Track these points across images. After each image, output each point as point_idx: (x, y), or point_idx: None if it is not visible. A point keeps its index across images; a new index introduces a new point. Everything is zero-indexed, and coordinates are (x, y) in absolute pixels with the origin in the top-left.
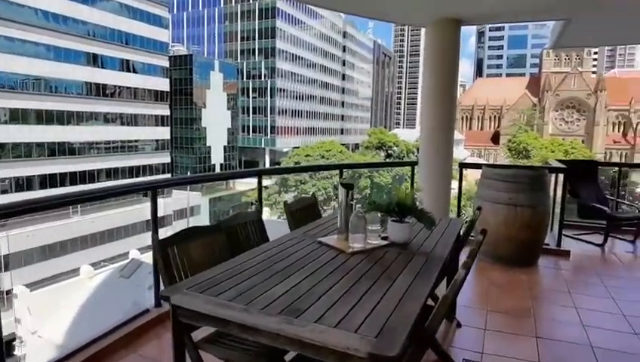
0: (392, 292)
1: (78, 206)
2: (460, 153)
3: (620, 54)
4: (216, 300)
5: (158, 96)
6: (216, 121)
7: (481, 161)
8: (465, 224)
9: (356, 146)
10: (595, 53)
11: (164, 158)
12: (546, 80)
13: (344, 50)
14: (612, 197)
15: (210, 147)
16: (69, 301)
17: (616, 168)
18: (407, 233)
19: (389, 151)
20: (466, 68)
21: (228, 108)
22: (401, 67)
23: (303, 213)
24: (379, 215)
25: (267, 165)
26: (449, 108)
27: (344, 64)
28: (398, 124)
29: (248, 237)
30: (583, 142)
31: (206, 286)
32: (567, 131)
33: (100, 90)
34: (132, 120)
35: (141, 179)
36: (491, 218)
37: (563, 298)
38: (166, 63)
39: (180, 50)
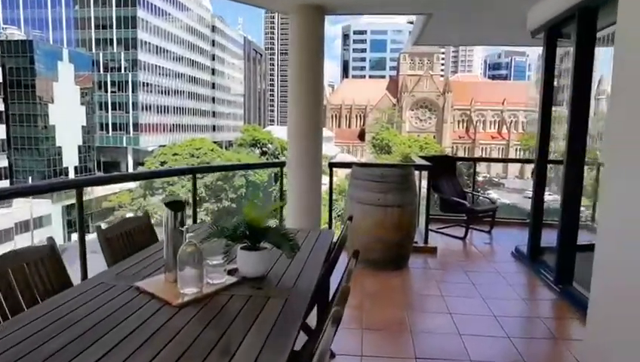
0: None
1: None
2: (331, 150)
3: (462, 60)
4: None
5: None
6: (67, 118)
7: (350, 156)
8: (336, 234)
9: (230, 144)
10: (443, 58)
11: (0, 161)
12: (403, 82)
13: (213, 45)
14: (468, 190)
15: (60, 147)
16: None
17: (474, 162)
18: (262, 263)
19: (264, 149)
20: (333, 69)
21: (82, 104)
22: (273, 64)
23: (127, 240)
24: (223, 242)
25: (130, 166)
26: (316, 101)
27: (214, 58)
28: (272, 121)
29: (29, 286)
30: (434, 137)
31: None
32: (422, 128)
33: None
34: None
35: None
36: (361, 220)
37: (437, 303)
38: None
39: (16, 34)
